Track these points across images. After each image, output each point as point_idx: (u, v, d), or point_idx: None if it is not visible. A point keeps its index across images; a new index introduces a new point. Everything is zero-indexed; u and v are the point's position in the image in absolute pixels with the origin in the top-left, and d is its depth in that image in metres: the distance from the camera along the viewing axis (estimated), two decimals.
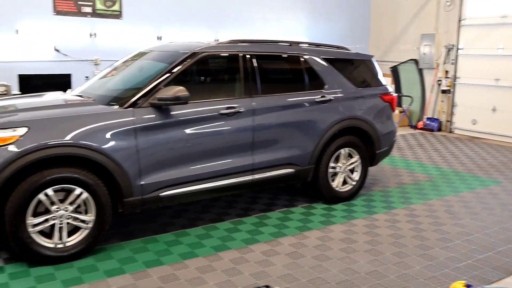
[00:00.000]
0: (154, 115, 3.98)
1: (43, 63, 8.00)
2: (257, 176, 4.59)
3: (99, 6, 8.50)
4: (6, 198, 3.44)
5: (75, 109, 3.89)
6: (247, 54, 4.62)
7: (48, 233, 3.64)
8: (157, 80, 4.08)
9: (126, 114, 3.87)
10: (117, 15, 8.72)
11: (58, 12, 8.14)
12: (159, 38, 9.22)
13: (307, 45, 5.26)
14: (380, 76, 5.81)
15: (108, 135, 3.74)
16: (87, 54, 8.46)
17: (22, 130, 3.45)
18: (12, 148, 3.38)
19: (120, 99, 4.05)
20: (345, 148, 5.25)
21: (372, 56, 5.84)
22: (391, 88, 5.88)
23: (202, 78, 4.79)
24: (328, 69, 5.18)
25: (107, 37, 8.68)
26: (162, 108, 4.01)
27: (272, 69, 4.94)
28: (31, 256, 3.55)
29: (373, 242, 4.26)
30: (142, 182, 3.93)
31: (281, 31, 10.90)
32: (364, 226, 4.63)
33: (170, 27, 9.39)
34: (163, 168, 4.04)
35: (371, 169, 6.60)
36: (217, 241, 4.20)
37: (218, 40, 5.35)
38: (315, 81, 5.06)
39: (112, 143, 3.74)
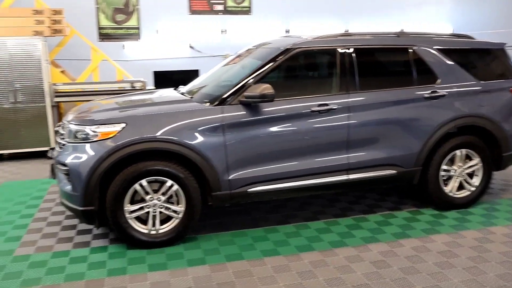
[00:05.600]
0: (244, 112, 4.05)
1: (178, 60, 8.71)
2: (352, 176, 4.38)
3: (230, 3, 8.91)
4: (107, 187, 3.85)
5: (168, 107, 4.15)
6: (345, 48, 4.40)
7: (144, 220, 3.99)
8: (248, 77, 4.13)
9: (215, 111, 4.01)
10: (247, 11, 9.05)
11: (193, 12, 8.76)
12: (287, 31, 9.31)
13: (419, 35, 4.80)
14: None
15: (196, 131, 3.92)
16: (218, 50, 8.96)
17: (120, 126, 3.82)
18: (110, 142, 3.77)
19: (213, 96, 4.21)
20: (462, 149, 4.69)
21: (503, 44, 5.07)
22: None
23: (296, 74, 4.71)
24: (442, 61, 4.66)
25: (237, 33, 9.07)
26: (251, 105, 4.06)
27: (373, 63, 4.63)
28: (127, 239, 3.93)
29: (478, 258, 3.75)
30: (230, 177, 4.04)
31: (421, 18, 10.14)
32: (474, 239, 4.10)
33: (299, 20, 9.42)
34: (251, 165, 4.09)
35: (505, 173, 5.85)
36: (303, 240, 4.12)
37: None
38: (425, 75, 4.60)
39: (200, 139, 3.92)
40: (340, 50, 4.39)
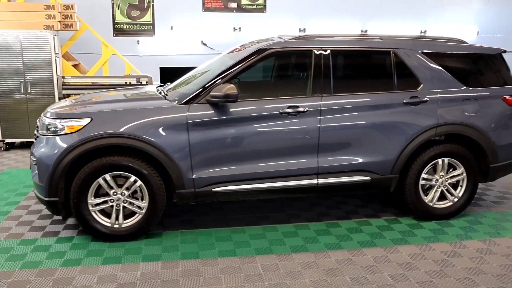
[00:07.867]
0: (210, 112, 4.05)
1: (190, 57, 8.80)
2: (322, 180, 4.29)
3: (244, 1, 8.91)
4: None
5: (136, 103, 4.21)
6: (321, 50, 4.31)
7: (109, 214, 4.07)
8: (217, 77, 4.13)
9: (181, 110, 4.03)
10: (261, 9, 9.02)
11: (206, 9, 8.82)
12: (302, 30, 9.22)
13: (404, 38, 4.63)
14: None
15: (160, 129, 3.96)
16: (230, 47, 8.95)
17: (86, 121, 3.92)
18: (75, 136, 3.87)
19: (183, 95, 4.22)
20: (445, 159, 4.50)
21: (502, 50, 4.81)
22: None
23: (269, 75, 4.66)
24: (427, 65, 4.48)
25: (251, 31, 9.05)
26: (218, 105, 4.06)
27: (351, 66, 4.52)
28: (90, 231, 4.04)
29: (438, 273, 3.59)
30: (194, 176, 4.06)
31: (445, 19, 9.76)
32: (442, 253, 3.93)
33: (315, 19, 9.29)
34: (216, 164, 4.09)
35: (505, 185, 5.60)
36: (265, 243, 4.09)
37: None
38: (407, 80, 4.43)
39: (164, 137, 3.95)
40: (316, 52, 4.30)
